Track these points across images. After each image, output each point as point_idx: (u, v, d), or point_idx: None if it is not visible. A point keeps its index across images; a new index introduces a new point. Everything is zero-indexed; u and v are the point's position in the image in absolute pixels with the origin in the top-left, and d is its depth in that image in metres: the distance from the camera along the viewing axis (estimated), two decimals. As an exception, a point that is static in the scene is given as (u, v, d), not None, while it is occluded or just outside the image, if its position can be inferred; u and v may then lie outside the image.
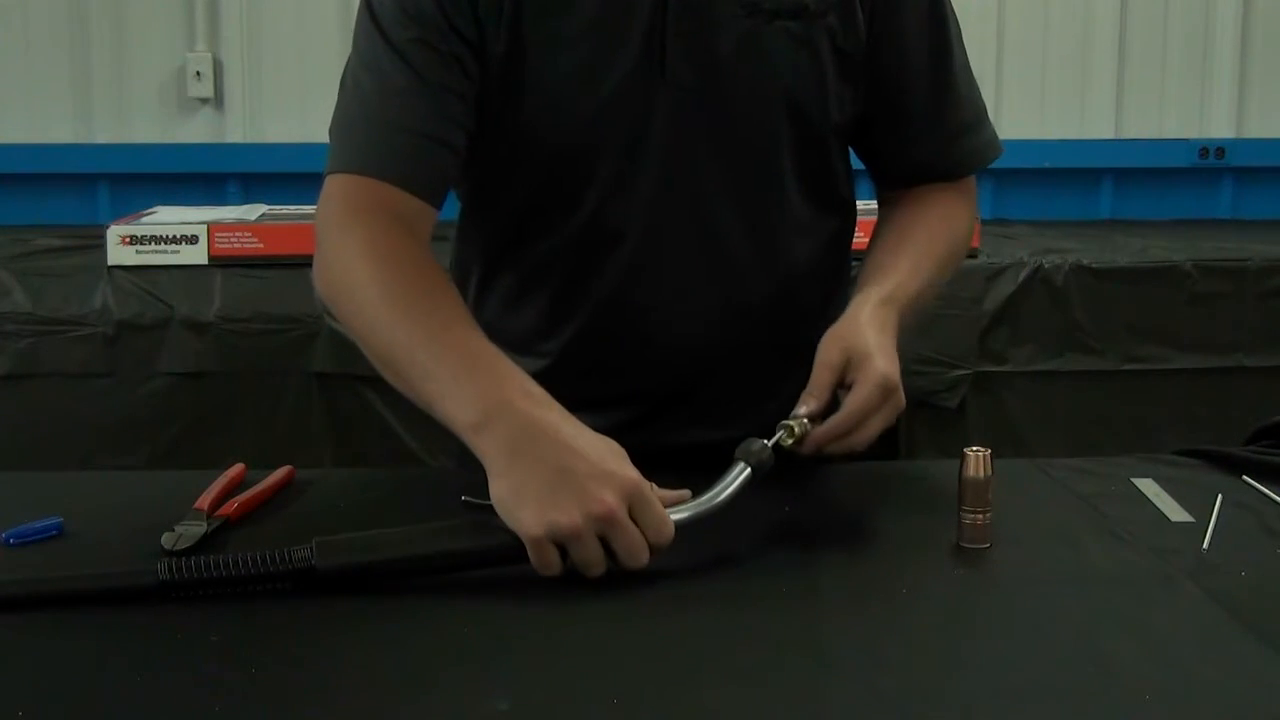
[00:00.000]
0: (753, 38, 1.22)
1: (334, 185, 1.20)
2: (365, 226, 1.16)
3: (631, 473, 0.98)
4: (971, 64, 1.33)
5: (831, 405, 1.11)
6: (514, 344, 1.32)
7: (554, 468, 0.97)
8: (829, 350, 1.13)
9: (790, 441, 1.08)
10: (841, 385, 1.12)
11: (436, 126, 1.20)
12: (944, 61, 1.30)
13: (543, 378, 1.07)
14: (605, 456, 0.98)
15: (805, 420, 1.09)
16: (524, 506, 0.96)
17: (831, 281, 1.35)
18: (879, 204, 1.37)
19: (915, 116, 1.31)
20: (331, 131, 1.23)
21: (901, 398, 1.12)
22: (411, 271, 1.14)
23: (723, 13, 1.21)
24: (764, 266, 1.29)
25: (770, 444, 1.07)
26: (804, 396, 1.11)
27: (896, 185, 1.35)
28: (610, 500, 0.95)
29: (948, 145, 1.32)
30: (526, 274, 1.32)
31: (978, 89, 1.35)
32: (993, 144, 1.35)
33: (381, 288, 1.12)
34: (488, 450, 1.00)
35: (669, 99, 1.22)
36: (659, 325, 1.29)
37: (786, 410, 1.11)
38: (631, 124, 1.22)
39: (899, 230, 1.30)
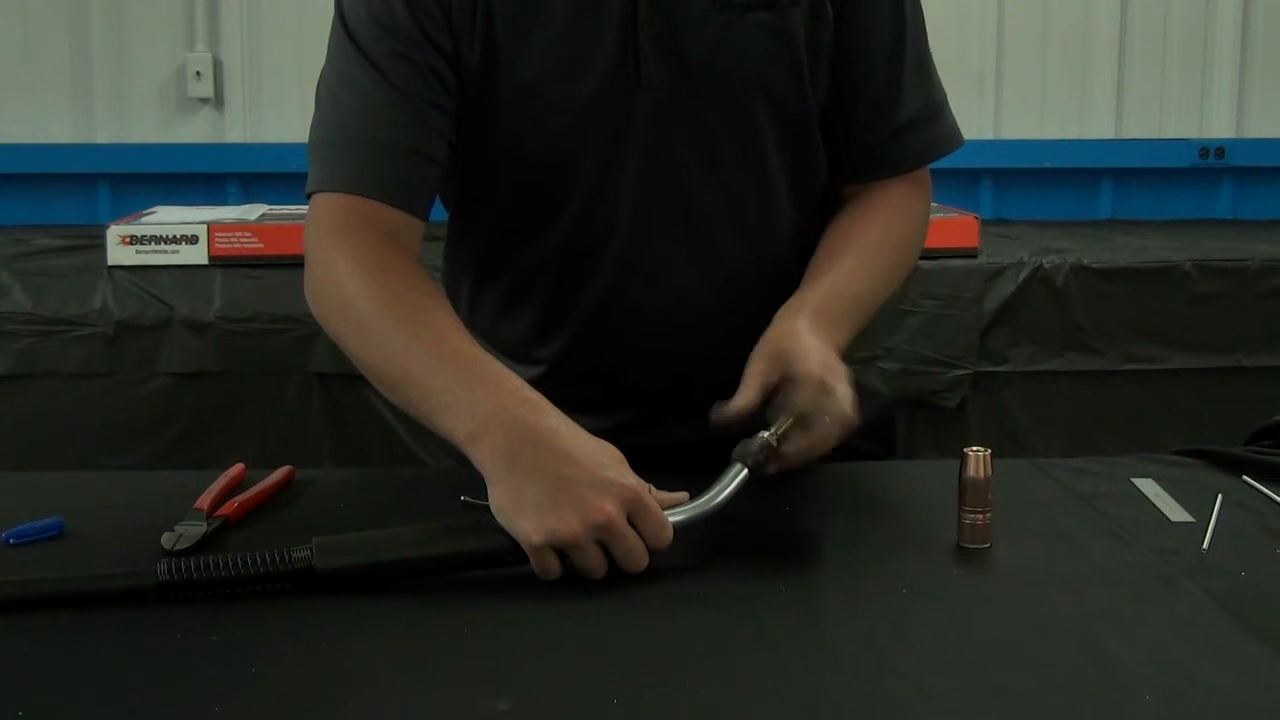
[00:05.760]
0: (726, 33, 1.21)
1: (320, 204, 1.21)
2: (354, 244, 1.17)
3: (630, 479, 0.98)
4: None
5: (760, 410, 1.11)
6: (509, 352, 1.32)
7: (552, 476, 0.97)
8: (755, 362, 1.13)
9: (763, 459, 1.07)
10: (776, 394, 1.11)
11: (417, 140, 1.20)
12: (899, 52, 1.29)
13: (539, 383, 1.07)
14: (603, 463, 0.98)
15: (765, 435, 1.08)
16: (523, 515, 0.96)
17: None
18: (836, 201, 1.35)
19: (866, 106, 1.30)
20: (312, 148, 1.23)
21: (837, 392, 1.10)
22: (402, 285, 1.14)
23: (694, 11, 1.21)
24: (753, 260, 1.30)
25: (752, 460, 1.06)
26: (744, 393, 1.11)
27: (848, 178, 1.34)
28: (609, 509, 0.95)
29: (896, 137, 1.31)
30: (516, 281, 1.32)
31: (936, 81, 1.33)
32: (947, 138, 1.34)
33: (373, 303, 1.12)
34: (485, 459, 1.00)
35: (646, 100, 1.22)
36: (651, 324, 1.29)
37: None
38: (610, 127, 1.23)
39: (845, 230, 1.29)
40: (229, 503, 1.12)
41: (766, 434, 1.08)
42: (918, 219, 1.34)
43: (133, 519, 1.10)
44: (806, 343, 1.13)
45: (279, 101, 3.32)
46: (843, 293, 1.22)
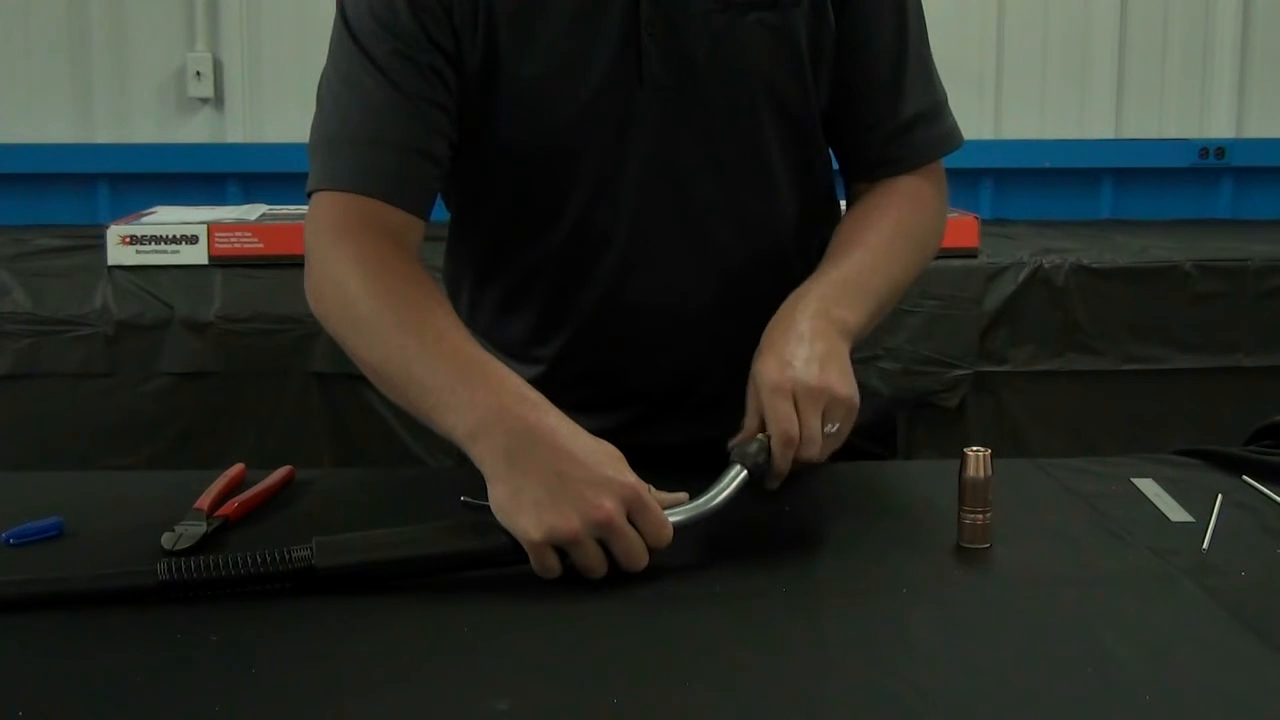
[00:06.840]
0: (728, 33, 1.22)
1: (321, 203, 1.21)
2: (354, 243, 1.17)
3: (629, 477, 0.98)
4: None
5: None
6: (509, 351, 1.32)
7: (552, 473, 0.97)
8: (753, 375, 1.12)
9: (761, 460, 1.07)
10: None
11: (419, 139, 1.20)
12: (902, 50, 1.29)
13: (540, 383, 1.07)
14: (603, 461, 0.98)
15: (762, 437, 1.08)
16: (523, 512, 0.96)
17: None
18: (847, 199, 1.36)
19: (869, 105, 1.30)
20: (313, 147, 1.23)
21: (825, 385, 1.09)
22: (402, 284, 1.14)
23: (696, 10, 1.21)
24: (755, 260, 1.30)
25: (744, 469, 1.06)
26: (746, 422, 1.10)
27: (859, 176, 1.34)
28: (609, 506, 0.95)
29: (900, 134, 1.31)
30: (517, 281, 1.32)
31: (937, 81, 1.34)
32: (949, 136, 1.34)
33: (373, 302, 1.12)
34: (485, 457, 1.00)
35: (648, 101, 1.22)
36: (652, 325, 1.29)
37: None
38: (612, 127, 1.23)
39: (859, 221, 1.29)
40: (229, 503, 1.12)
41: (764, 435, 1.08)
42: (932, 210, 1.33)
43: (133, 519, 1.10)
44: (767, 362, 1.11)
45: (279, 101, 3.32)
46: (850, 278, 1.20)
